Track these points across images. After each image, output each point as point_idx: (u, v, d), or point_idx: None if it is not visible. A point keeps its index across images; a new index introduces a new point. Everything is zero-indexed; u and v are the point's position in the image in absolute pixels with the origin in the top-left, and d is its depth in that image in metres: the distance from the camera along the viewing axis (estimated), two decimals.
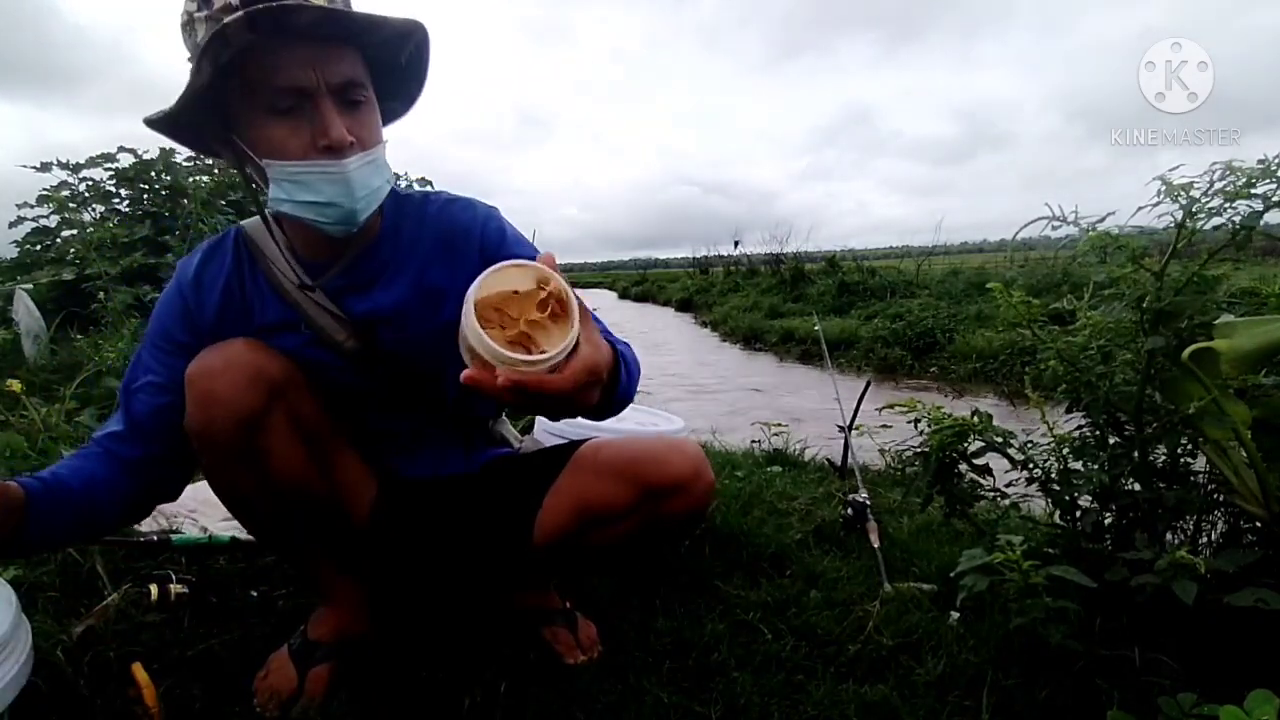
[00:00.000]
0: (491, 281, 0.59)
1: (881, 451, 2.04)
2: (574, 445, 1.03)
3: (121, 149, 4.69)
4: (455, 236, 0.94)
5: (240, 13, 0.70)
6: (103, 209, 4.73)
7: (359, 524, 1.02)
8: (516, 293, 0.59)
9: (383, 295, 0.92)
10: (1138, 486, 1.11)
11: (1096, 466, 1.14)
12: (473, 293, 0.57)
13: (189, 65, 0.77)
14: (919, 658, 1.09)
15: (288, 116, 0.77)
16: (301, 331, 0.92)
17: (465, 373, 0.56)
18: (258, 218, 0.93)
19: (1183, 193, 0.96)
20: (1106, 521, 1.15)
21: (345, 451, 1.00)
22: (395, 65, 0.86)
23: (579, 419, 1.44)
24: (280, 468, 0.89)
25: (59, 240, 4.62)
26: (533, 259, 0.88)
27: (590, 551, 1.00)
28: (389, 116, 0.91)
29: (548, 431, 1.59)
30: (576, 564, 1.14)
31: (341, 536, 1.02)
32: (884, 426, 1.89)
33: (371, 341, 0.93)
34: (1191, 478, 1.11)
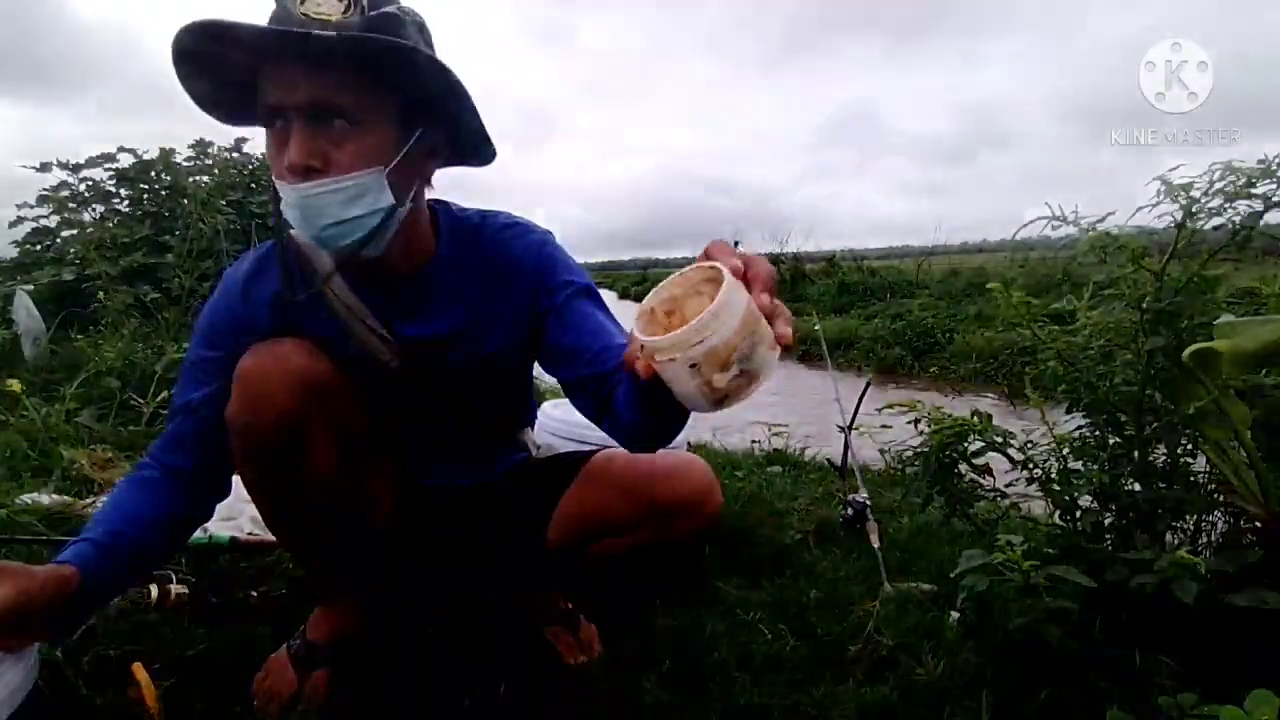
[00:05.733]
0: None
1: (881, 451, 2.03)
2: (589, 454, 1.03)
3: (121, 149, 4.68)
4: (509, 265, 0.93)
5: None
6: (103, 209, 4.72)
7: (377, 529, 1.02)
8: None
9: (433, 322, 0.92)
10: (1138, 486, 1.11)
11: (1096, 466, 1.14)
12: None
13: None
14: (919, 658, 1.09)
15: (275, 135, 0.77)
16: (348, 349, 0.91)
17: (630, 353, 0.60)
18: None
19: (1183, 193, 0.96)
20: (1106, 521, 1.15)
21: (377, 456, 1.00)
22: (461, 124, 0.84)
23: (574, 418, 1.43)
24: (314, 469, 0.89)
25: (59, 240, 4.60)
26: (588, 285, 0.92)
27: (591, 560, 1.00)
28: None
29: (550, 433, 1.59)
30: (579, 570, 1.14)
31: (360, 540, 1.02)
32: (884, 426, 1.89)
33: (416, 363, 0.92)
34: (1191, 478, 1.11)
